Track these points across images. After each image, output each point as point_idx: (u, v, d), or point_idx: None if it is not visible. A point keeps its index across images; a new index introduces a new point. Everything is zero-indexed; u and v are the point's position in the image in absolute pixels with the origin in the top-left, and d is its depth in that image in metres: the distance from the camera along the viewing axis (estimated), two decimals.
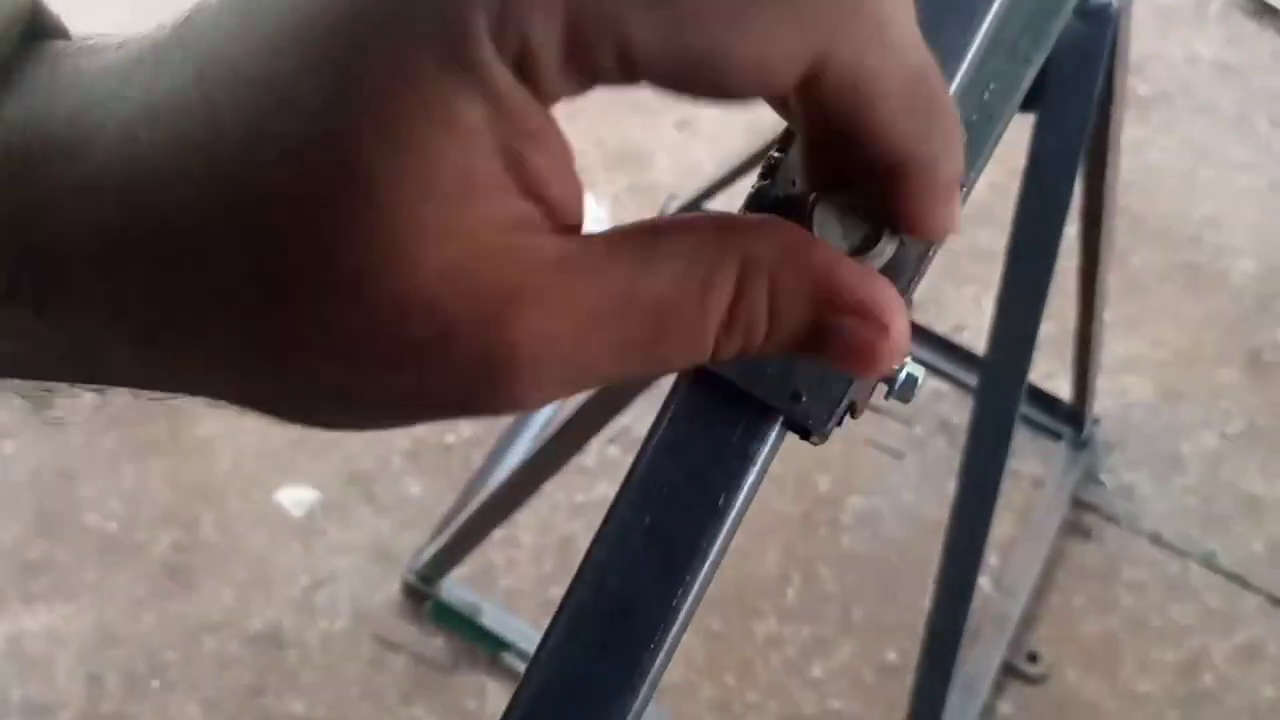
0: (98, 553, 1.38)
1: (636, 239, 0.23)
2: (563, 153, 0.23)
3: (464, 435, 1.46)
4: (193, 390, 0.25)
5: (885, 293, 0.24)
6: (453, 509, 1.37)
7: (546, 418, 1.45)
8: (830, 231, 0.26)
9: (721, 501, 0.29)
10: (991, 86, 0.35)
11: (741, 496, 0.30)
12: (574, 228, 0.23)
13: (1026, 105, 0.75)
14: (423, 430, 1.45)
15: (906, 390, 0.32)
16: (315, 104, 0.20)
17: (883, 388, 0.33)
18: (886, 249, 0.26)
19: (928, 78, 0.23)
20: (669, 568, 0.28)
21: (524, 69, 0.21)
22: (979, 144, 0.35)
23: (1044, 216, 0.82)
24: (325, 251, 0.21)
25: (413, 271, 0.21)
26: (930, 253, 0.28)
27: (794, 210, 0.26)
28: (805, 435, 0.30)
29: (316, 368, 0.22)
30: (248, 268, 0.21)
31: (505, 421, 1.45)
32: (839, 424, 0.31)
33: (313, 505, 1.41)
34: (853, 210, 0.26)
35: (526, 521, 1.39)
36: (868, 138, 0.23)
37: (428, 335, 0.21)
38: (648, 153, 1.68)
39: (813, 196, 0.26)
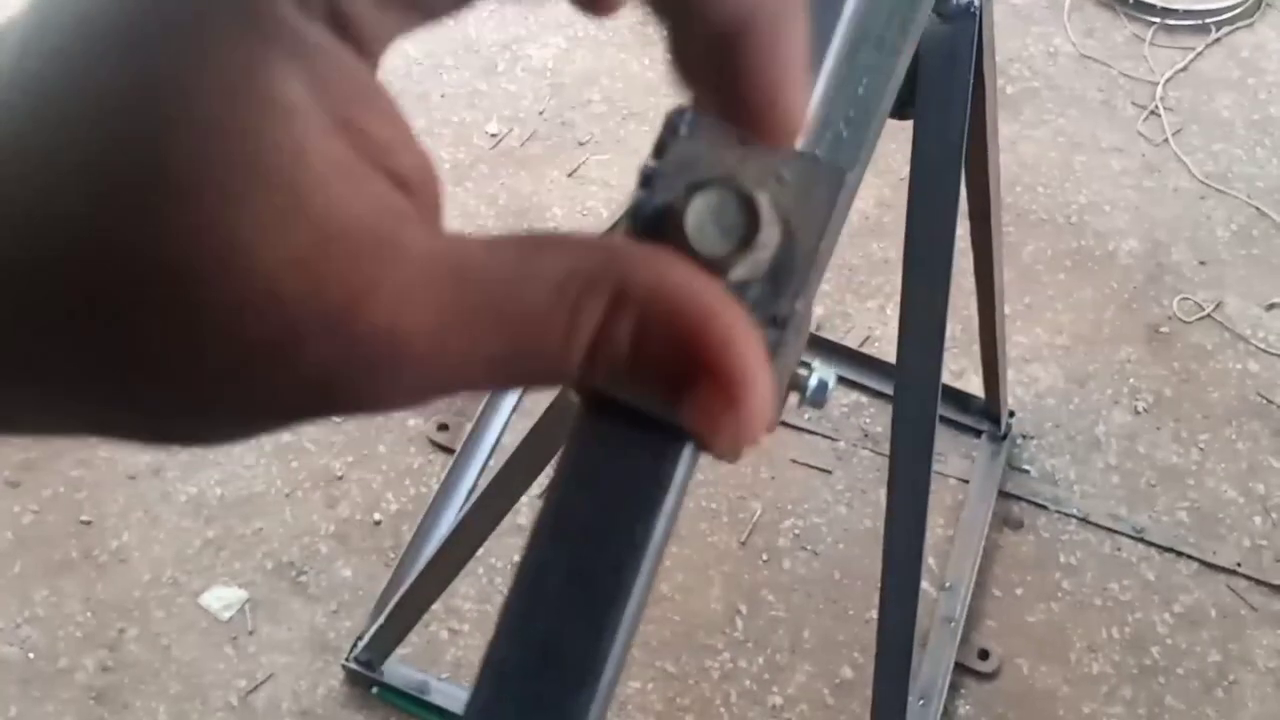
0: (18, 685, 1.31)
1: (517, 248, 0.22)
2: (400, 119, 0.21)
3: (391, 510, 1.42)
4: (39, 429, 0.23)
5: (747, 361, 0.23)
6: (388, 587, 1.34)
7: (472, 483, 1.43)
8: (706, 233, 0.26)
9: (639, 533, 0.28)
10: (865, 81, 0.35)
11: (659, 526, 0.28)
12: (438, 214, 0.22)
13: (902, 113, 0.77)
14: (347, 510, 1.42)
15: (818, 397, 0.32)
16: (114, 102, 0.18)
17: (795, 397, 0.32)
18: (769, 239, 0.26)
19: None
20: (592, 610, 0.27)
21: (338, 19, 0.19)
22: (859, 138, 0.35)
23: (934, 219, 0.83)
24: (146, 261, 0.19)
25: (248, 268, 0.19)
26: (821, 243, 0.28)
27: (671, 217, 0.26)
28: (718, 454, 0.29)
29: (161, 383, 0.20)
30: (70, 290, 0.19)
31: (433, 492, 1.42)
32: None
33: (241, 605, 1.36)
34: (725, 205, 0.26)
35: (465, 590, 1.36)
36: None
37: (272, 336, 0.19)
38: (541, 205, 1.68)
39: (688, 200, 0.26)
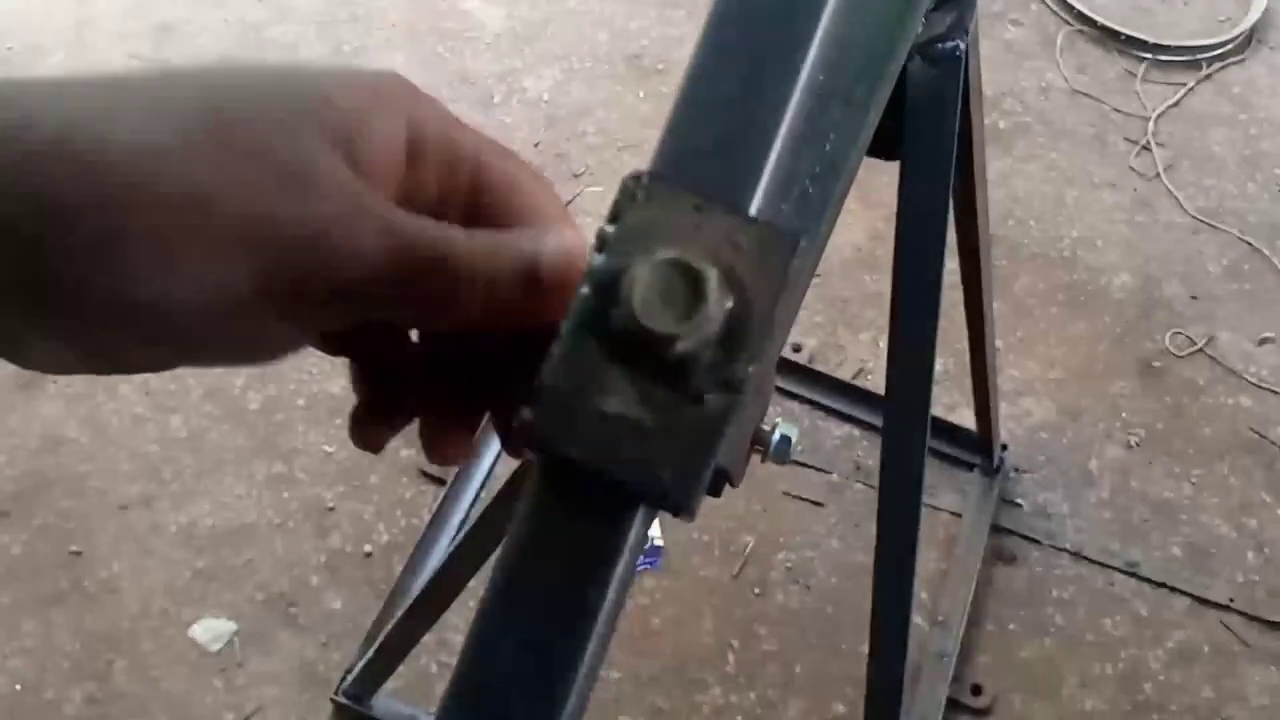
0: (5, 717, 1.30)
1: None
2: (388, 148, 0.32)
3: (382, 541, 1.42)
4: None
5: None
6: (378, 620, 1.33)
7: (463, 515, 1.42)
8: (652, 308, 0.26)
9: (591, 600, 0.27)
10: (832, 137, 0.35)
11: (613, 589, 0.28)
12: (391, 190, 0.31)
13: (889, 154, 0.77)
14: (338, 541, 1.42)
15: (782, 452, 0.32)
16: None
17: (759, 452, 0.32)
18: (716, 311, 0.26)
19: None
20: (545, 681, 0.27)
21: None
22: (827, 194, 0.35)
23: (922, 260, 0.83)
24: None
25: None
26: (776, 309, 0.28)
27: (620, 289, 0.27)
28: (674, 513, 0.29)
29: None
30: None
31: (425, 523, 1.42)
32: (714, 494, 0.30)
33: (230, 637, 1.36)
34: (671, 280, 0.26)
35: (456, 623, 1.35)
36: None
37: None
38: None
39: (635, 274, 0.26)
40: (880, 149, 0.78)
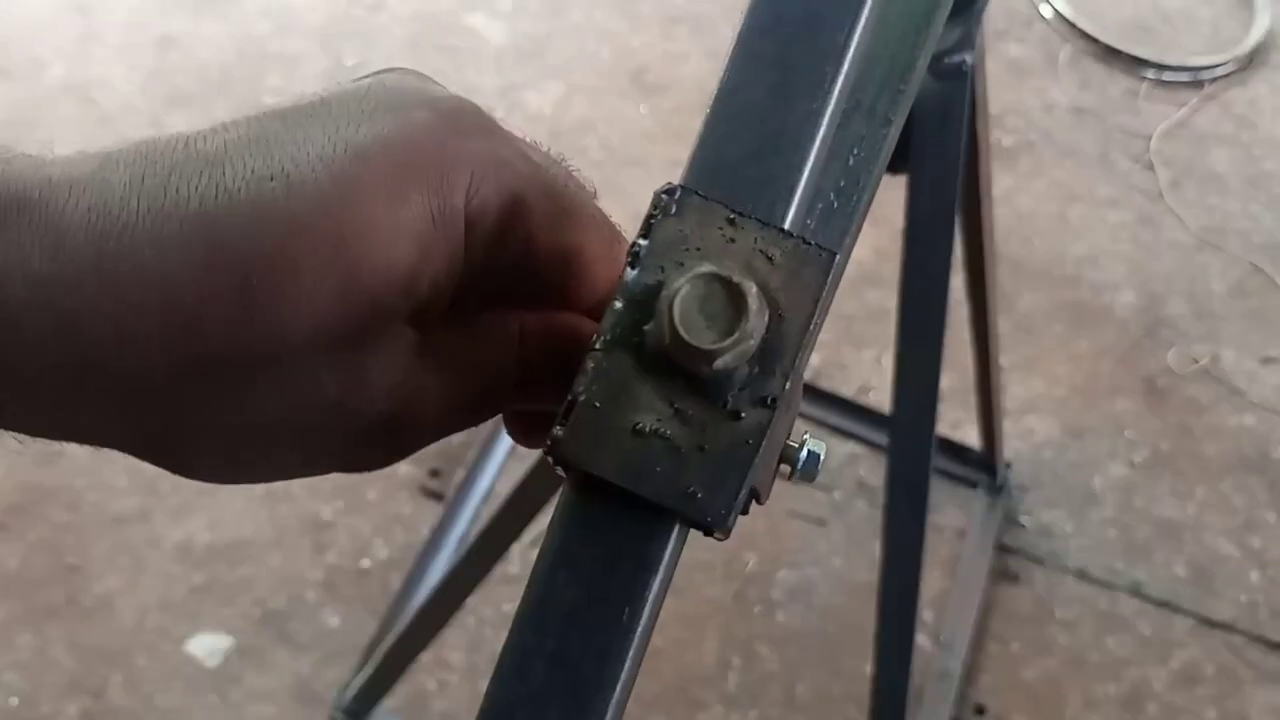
0: None
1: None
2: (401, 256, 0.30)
3: (380, 558, 1.41)
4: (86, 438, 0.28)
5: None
6: (375, 637, 1.32)
7: (463, 531, 1.41)
8: (693, 322, 0.26)
9: (626, 616, 0.27)
10: (856, 152, 0.35)
11: (647, 608, 0.27)
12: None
13: (895, 168, 0.77)
14: (335, 558, 1.40)
15: (810, 469, 0.31)
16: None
17: (785, 469, 0.32)
18: (756, 326, 0.26)
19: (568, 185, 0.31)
20: (577, 697, 0.26)
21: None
22: (851, 209, 0.35)
23: (928, 275, 0.83)
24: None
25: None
26: (811, 325, 0.28)
27: (660, 304, 0.26)
28: (708, 532, 0.28)
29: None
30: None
31: (423, 540, 1.40)
32: (744, 513, 0.29)
33: (226, 652, 1.35)
34: (712, 294, 0.26)
35: (454, 640, 1.34)
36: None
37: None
38: None
39: (675, 288, 0.26)
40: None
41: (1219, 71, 1.95)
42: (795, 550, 1.44)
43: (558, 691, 0.26)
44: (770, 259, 0.28)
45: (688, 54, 1.90)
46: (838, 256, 0.28)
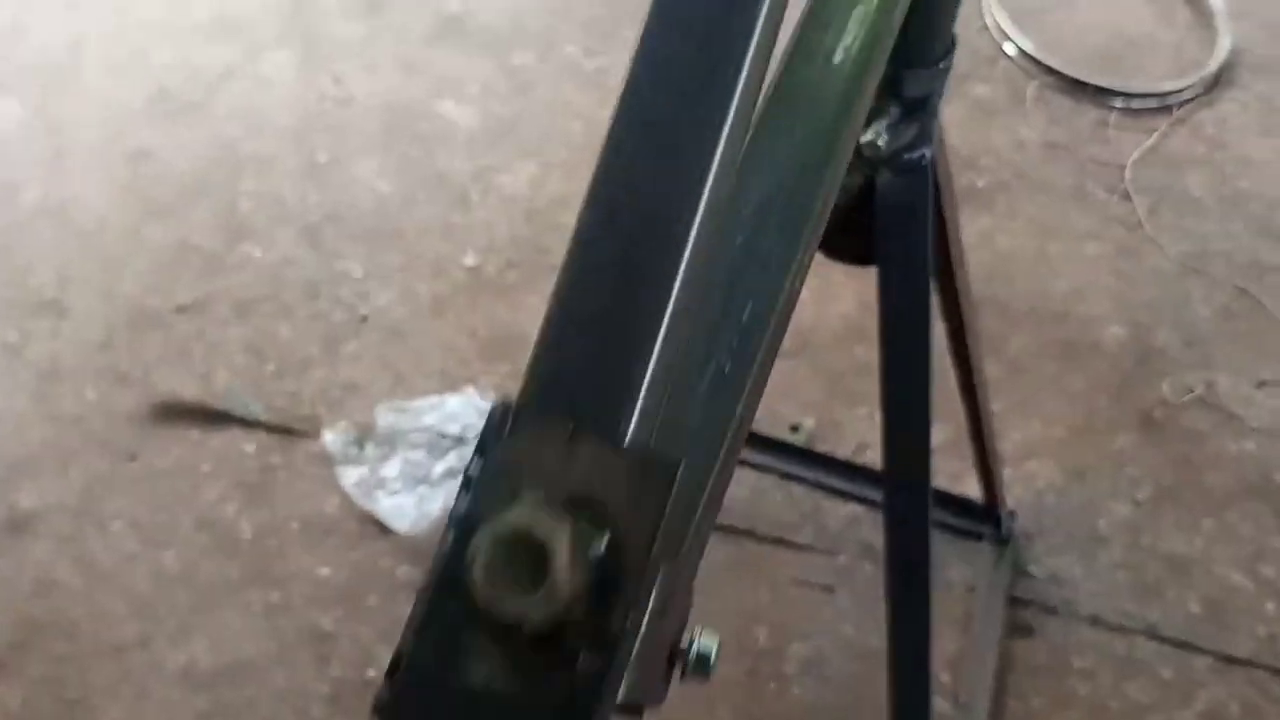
0: None
1: None
2: None
3: (384, 666, 1.39)
4: None
5: None
6: None
7: None
8: (496, 585, 0.25)
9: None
10: (750, 306, 0.33)
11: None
12: None
13: (865, 260, 0.76)
14: (339, 669, 1.38)
15: (702, 669, 0.30)
16: None
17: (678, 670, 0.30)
18: (564, 578, 0.24)
19: None
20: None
21: None
22: (744, 371, 0.33)
23: (906, 357, 0.82)
24: None
25: None
26: (649, 554, 0.25)
27: (465, 573, 0.25)
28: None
29: None
30: None
31: None
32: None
33: None
34: (516, 555, 0.24)
35: None
36: None
37: None
38: (521, 334, 1.68)
39: (475, 548, 0.24)
40: (856, 256, 0.77)
41: (1186, 95, 1.95)
42: (804, 620, 1.42)
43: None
44: (609, 480, 0.26)
45: None
46: (681, 467, 0.26)
